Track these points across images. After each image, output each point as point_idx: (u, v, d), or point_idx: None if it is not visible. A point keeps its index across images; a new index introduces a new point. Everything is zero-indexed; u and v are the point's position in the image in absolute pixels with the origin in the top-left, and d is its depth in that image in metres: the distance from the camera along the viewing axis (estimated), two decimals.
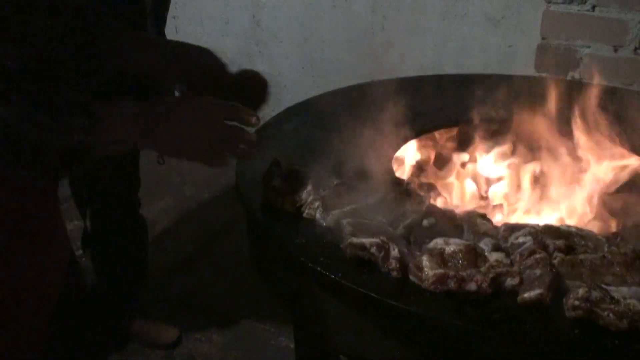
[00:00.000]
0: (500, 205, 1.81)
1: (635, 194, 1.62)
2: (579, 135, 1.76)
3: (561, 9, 2.70)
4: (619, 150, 1.75)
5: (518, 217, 1.77)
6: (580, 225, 1.54)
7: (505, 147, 1.94)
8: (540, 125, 1.84)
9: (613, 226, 1.56)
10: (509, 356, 1.25)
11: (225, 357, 2.70)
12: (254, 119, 1.35)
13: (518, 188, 1.86)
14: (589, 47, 2.68)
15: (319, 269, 1.37)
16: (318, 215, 1.52)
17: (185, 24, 4.29)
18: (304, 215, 1.54)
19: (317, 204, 1.54)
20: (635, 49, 2.60)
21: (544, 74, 2.76)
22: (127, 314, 2.72)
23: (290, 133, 1.95)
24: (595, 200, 1.66)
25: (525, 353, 1.24)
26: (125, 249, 2.58)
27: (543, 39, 2.78)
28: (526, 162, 1.92)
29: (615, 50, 2.64)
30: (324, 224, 1.50)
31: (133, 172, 2.44)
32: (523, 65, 3.06)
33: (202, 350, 2.73)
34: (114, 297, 2.67)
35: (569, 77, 2.71)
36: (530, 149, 1.94)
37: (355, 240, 1.39)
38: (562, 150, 1.81)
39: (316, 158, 1.78)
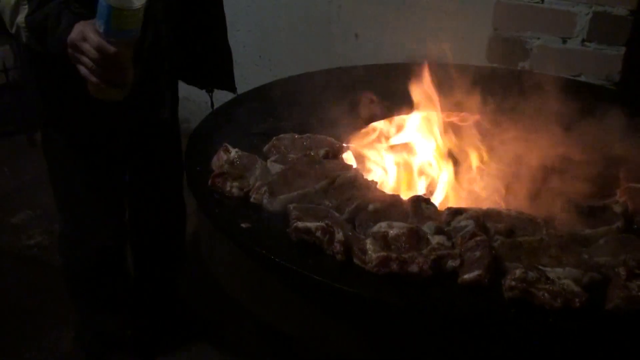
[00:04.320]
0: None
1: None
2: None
3: (512, 0, 2.74)
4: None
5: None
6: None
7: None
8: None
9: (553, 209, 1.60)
10: (448, 336, 1.29)
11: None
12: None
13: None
14: (538, 38, 2.72)
15: (264, 252, 1.37)
16: (265, 200, 1.53)
17: None
18: (251, 200, 1.54)
19: (264, 189, 1.54)
20: (583, 40, 2.65)
21: (495, 65, 2.80)
22: (166, 303, 2.64)
23: (240, 119, 1.94)
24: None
25: (463, 333, 1.27)
26: (165, 234, 2.47)
27: (495, 30, 2.82)
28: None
29: (564, 42, 2.69)
30: (271, 208, 1.51)
31: (176, 155, 2.33)
32: (476, 56, 3.10)
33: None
34: (152, 284, 2.59)
35: (519, 68, 2.76)
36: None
37: (300, 224, 1.40)
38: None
39: (265, 144, 1.79)
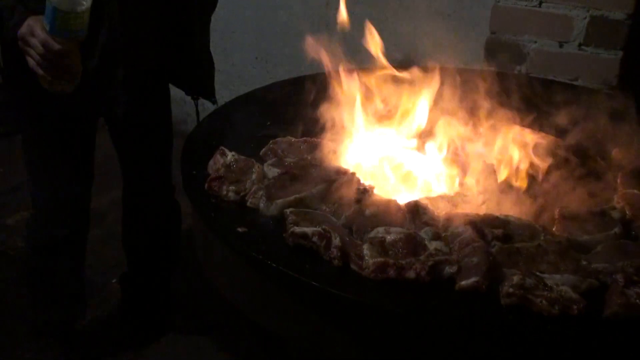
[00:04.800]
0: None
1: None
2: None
3: (510, 4, 2.73)
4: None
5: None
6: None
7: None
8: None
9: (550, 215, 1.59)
10: (446, 343, 1.28)
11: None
12: None
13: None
14: (535, 42, 2.72)
15: (260, 257, 1.37)
16: (261, 205, 1.52)
17: None
18: (248, 204, 1.53)
19: (260, 193, 1.54)
20: (580, 44, 2.65)
21: (492, 68, 2.80)
22: (161, 303, 2.64)
23: (237, 122, 1.94)
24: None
25: (460, 339, 1.26)
26: (158, 235, 2.48)
27: (492, 33, 2.82)
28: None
29: (561, 46, 2.69)
30: (267, 213, 1.50)
31: (166, 154, 2.36)
32: (473, 60, 3.10)
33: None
34: (147, 286, 2.60)
35: (516, 71, 2.76)
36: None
37: (297, 229, 1.39)
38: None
39: (262, 147, 1.78)
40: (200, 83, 2.17)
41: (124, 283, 2.66)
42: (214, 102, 2.19)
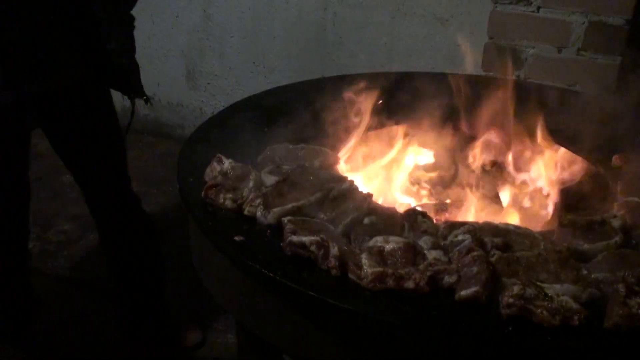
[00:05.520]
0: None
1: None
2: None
3: (507, 9, 2.73)
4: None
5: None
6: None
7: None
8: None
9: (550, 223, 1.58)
10: (445, 354, 1.26)
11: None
12: None
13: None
14: (533, 47, 2.72)
15: (258, 267, 1.35)
16: (259, 213, 1.50)
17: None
18: (245, 212, 1.52)
19: (258, 201, 1.52)
20: (579, 50, 2.65)
21: (490, 74, 2.79)
22: (149, 315, 2.65)
23: (234, 129, 1.92)
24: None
25: (460, 351, 1.25)
26: (133, 247, 2.48)
27: (490, 38, 2.81)
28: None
29: (559, 51, 2.68)
30: (265, 221, 1.49)
31: (118, 162, 2.34)
32: (471, 65, 3.09)
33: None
34: (132, 298, 2.60)
35: (514, 77, 2.75)
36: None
37: (295, 238, 1.38)
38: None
39: (259, 154, 1.76)
40: (127, 83, 2.15)
41: (115, 301, 2.65)
42: (147, 101, 2.18)
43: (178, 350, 2.67)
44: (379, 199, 1.66)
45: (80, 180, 2.33)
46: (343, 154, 1.83)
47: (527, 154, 1.89)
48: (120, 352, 2.64)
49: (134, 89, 2.16)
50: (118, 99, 2.19)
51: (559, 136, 1.92)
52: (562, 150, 1.89)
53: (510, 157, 1.90)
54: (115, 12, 2.06)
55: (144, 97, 2.16)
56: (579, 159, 1.87)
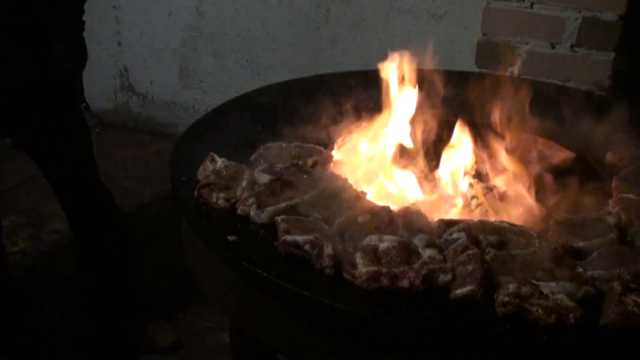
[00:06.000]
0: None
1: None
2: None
3: (501, 5, 2.72)
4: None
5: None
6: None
7: None
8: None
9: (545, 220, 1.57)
10: (440, 353, 1.26)
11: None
12: None
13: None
14: (527, 43, 2.71)
15: (252, 267, 1.34)
16: (252, 212, 1.49)
17: (126, 14, 4.19)
18: (238, 211, 1.51)
19: (251, 200, 1.51)
20: (572, 45, 2.64)
21: (484, 70, 2.78)
22: (121, 315, 2.64)
23: (227, 127, 1.91)
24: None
25: (455, 349, 1.24)
26: (103, 240, 2.48)
27: (484, 35, 2.80)
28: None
29: (553, 47, 2.68)
30: (259, 220, 1.47)
31: (85, 158, 2.33)
32: (465, 61, 3.09)
33: None
34: (107, 299, 2.59)
35: (508, 73, 2.74)
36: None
37: (289, 237, 1.37)
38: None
39: (252, 153, 1.75)
40: (71, 87, 2.16)
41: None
42: (85, 107, 2.17)
43: (150, 350, 2.64)
44: (374, 197, 1.65)
45: (49, 176, 2.33)
46: (337, 151, 1.82)
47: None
48: (113, 353, 2.63)
49: (76, 94, 2.16)
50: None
51: (551, 134, 1.92)
52: (549, 142, 1.88)
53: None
54: (62, 13, 2.02)
55: (83, 104, 2.15)
56: (564, 149, 1.87)
